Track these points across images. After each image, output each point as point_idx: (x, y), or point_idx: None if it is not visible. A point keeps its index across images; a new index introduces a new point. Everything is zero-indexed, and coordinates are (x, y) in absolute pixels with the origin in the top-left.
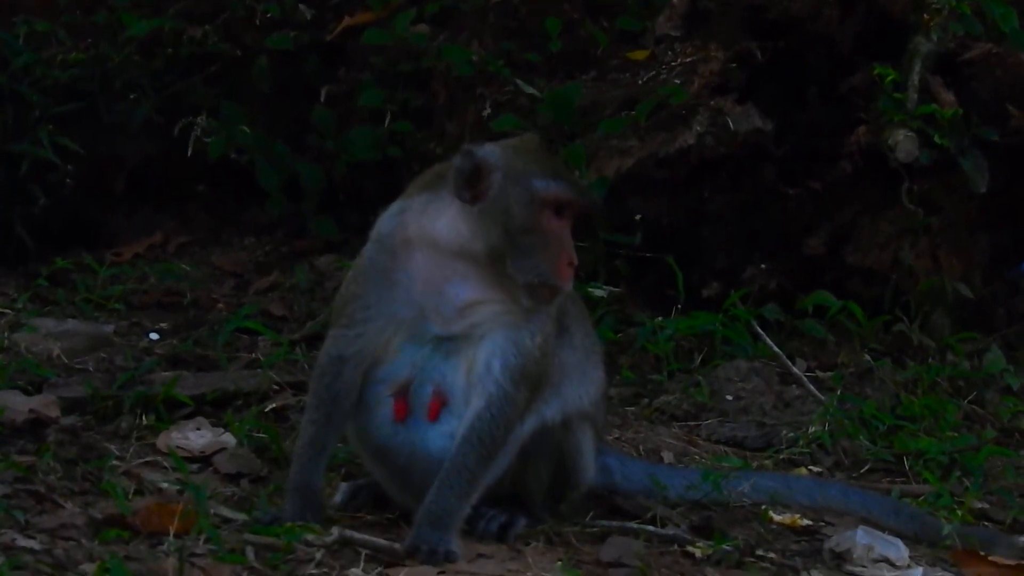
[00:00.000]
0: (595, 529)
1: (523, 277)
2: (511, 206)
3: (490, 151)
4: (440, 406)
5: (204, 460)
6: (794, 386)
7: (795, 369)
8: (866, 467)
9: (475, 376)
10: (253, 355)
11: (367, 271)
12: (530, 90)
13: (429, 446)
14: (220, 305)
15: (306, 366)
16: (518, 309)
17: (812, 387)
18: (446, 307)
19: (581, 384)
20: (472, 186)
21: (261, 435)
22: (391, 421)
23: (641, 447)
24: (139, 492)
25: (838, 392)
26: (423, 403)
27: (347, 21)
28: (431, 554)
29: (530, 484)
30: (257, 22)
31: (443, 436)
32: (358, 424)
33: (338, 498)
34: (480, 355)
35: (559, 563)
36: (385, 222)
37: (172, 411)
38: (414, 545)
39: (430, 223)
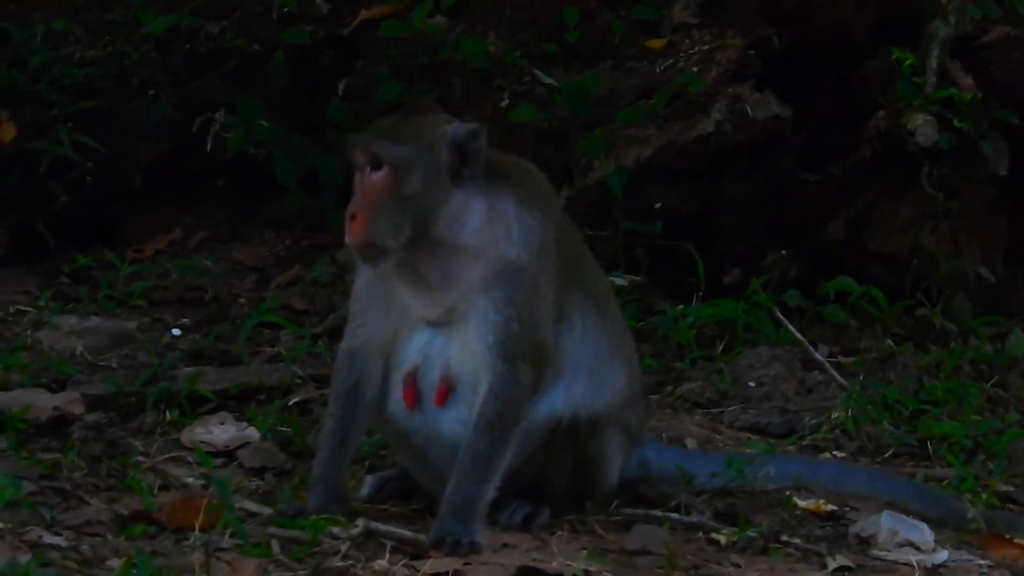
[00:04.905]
0: (619, 518)
1: None
2: None
3: None
4: (446, 390)
5: (228, 454)
6: (816, 372)
7: (817, 355)
8: (889, 452)
9: (473, 360)
10: (275, 349)
11: (361, 265)
12: (548, 80)
13: (442, 429)
14: (242, 300)
15: (328, 359)
16: (486, 274)
17: (835, 372)
18: (429, 299)
19: (597, 384)
20: None
21: (285, 429)
22: (404, 406)
23: (664, 435)
24: (164, 487)
25: (861, 377)
26: (431, 388)
27: (364, 14)
28: (455, 545)
29: (552, 479)
30: (274, 17)
31: (452, 421)
32: (380, 411)
33: (365, 491)
34: (470, 338)
35: (584, 552)
36: None
37: (195, 406)
38: (438, 537)
39: None
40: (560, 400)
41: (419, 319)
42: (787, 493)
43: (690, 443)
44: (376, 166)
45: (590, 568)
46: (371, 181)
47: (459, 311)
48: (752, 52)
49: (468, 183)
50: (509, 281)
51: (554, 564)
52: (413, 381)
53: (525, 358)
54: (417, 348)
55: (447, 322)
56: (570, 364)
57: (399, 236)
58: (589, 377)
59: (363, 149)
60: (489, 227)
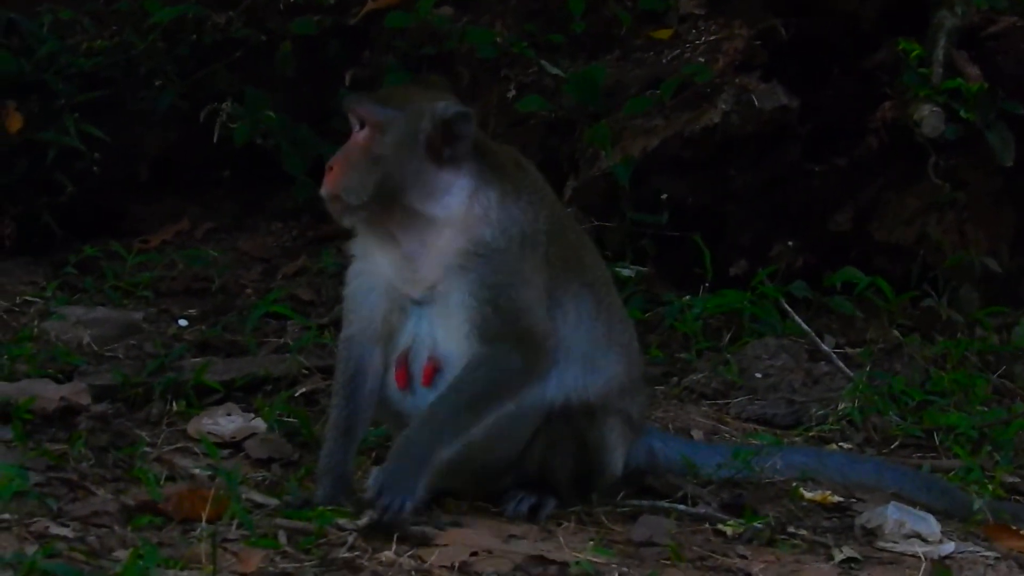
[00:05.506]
0: (626, 509)
1: None
2: None
3: None
4: (434, 371)
5: (235, 445)
6: (823, 363)
7: (824, 346)
8: (896, 443)
9: (457, 341)
10: (282, 340)
11: (354, 251)
12: (554, 71)
13: None
14: (248, 290)
15: (334, 350)
16: (461, 252)
17: (841, 364)
18: (409, 273)
19: (591, 371)
20: None
21: (291, 420)
22: (398, 388)
23: (671, 426)
24: (171, 478)
25: (867, 368)
26: (420, 369)
27: (370, 5)
28: (385, 510)
29: (554, 469)
30: (281, 7)
31: None
32: (381, 396)
33: (372, 482)
34: (452, 322)
35: (591, 543)
36: None
37: (202, 397)
38: (377, 491)
39: None
40: (552, 386)
41: (407, 299)
42: (794, 484)
43: (696, 434)
44: (361, 126)
45: (597, 559)
46: (355, 139)
47: (440, 291)
48: (759, 43)
49: (453, 165)
50: (485, 263)
51: (561, 555)
52: (405, 363)
53: (508, 341)
54: (409, 330)
55: (431, 301)
56: (563, 351)
57: (362, 194)
58: (583, 364)
59: (352, 109)
60: (468, 209)
